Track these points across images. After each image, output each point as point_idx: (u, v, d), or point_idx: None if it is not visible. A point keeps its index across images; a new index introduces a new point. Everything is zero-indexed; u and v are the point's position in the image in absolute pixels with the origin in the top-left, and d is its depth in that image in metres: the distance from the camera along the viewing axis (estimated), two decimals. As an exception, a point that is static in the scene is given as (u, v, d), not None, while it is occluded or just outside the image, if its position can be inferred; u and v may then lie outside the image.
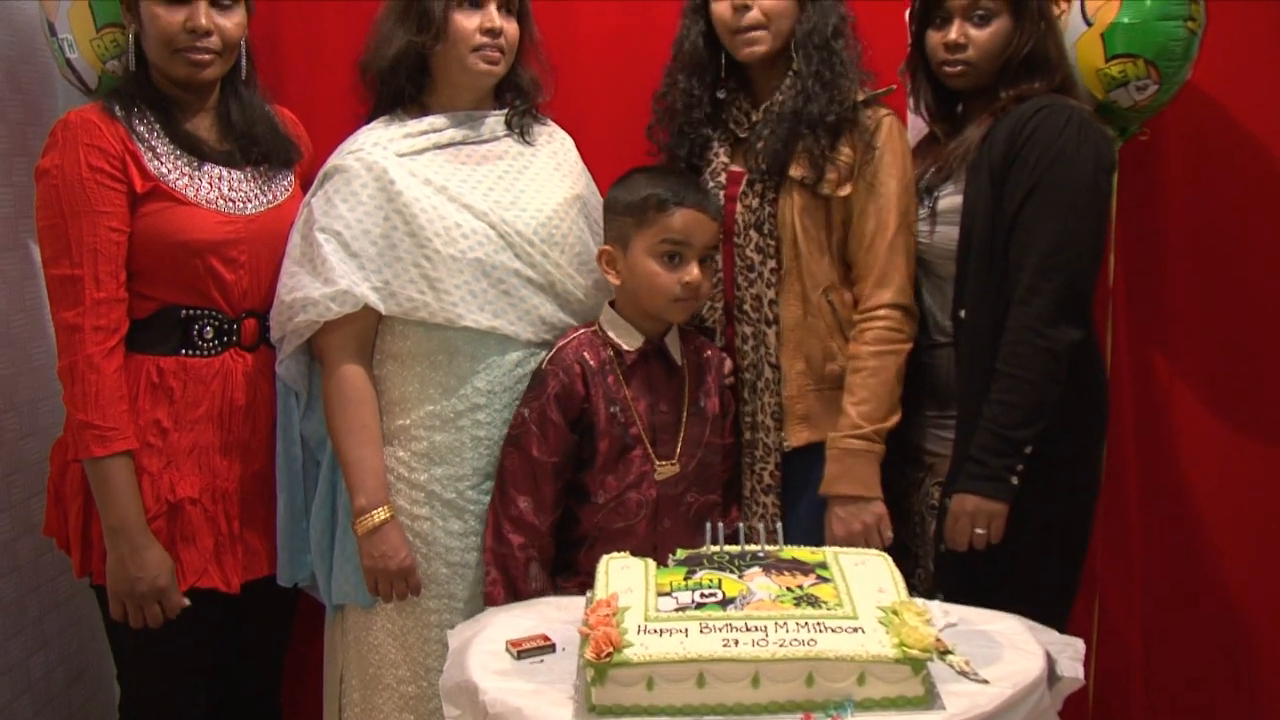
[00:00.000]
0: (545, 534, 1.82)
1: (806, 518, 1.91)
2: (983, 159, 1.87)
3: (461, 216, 1.83)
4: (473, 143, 1.93)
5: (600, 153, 2.10)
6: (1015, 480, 1.76)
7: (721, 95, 2.00)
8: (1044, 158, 1.77)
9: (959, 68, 1.93)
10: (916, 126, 2.12)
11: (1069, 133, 1.78)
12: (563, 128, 2.10)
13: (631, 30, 2.37)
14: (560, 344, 1.86)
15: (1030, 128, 1.80)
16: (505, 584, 1.80)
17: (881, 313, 1.87)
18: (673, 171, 1.93)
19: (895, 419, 1.87)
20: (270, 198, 1.93)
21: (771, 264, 1.90)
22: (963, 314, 1.88)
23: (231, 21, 1.87)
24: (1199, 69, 2.17)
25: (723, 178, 1.99)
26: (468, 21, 1.85)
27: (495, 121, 1.96)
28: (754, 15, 1.90)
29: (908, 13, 2.04)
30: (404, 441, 1.86)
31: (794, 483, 1.94)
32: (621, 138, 2.21)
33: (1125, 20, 2.05)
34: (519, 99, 1.98)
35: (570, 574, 1.86)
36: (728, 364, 1.98)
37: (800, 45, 1.91)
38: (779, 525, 1.62)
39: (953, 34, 1.92)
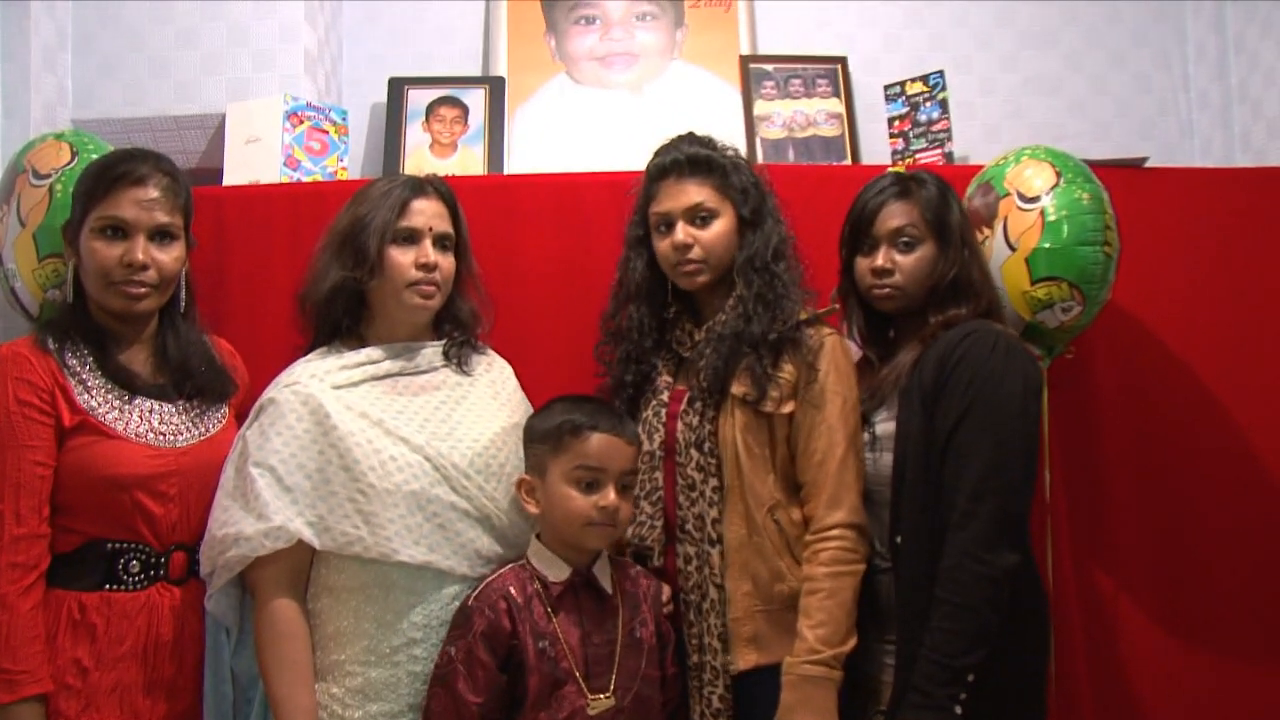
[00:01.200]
0: None
1: (760, 745, 1.84)
2: (913, 385, 1.88)
3: (396, 450, 1.81)
4: (410, 374, 1.93)
5: (544, 378, 2.11)
6: (959, 709, 1.70)
7: (668, 316, 2.05)
8: (973, 383, 1.78)
9: (886, 290, 1.98)
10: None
11: (996, 357, 1.79)
12: (505, 355, 2.11)
13: (572, 257, 2.45)
14: (488, 580, 1.81)
15: (958, 353, 1.82)
16: None
17: (835, 533, 1.84)
18: (590, 399, 1.92)
19: (852, 642, 1.81)
20: (203, 430, 1.91)
21: (713, 482, 1.88)
22: (899, 540, 1.86)
23: (170, 256, 1.88)
24: (1118, 289, 2.27)
25: (665, 396, 2.00)
26: (403, 257, 1.89)
27: (433, 352, 1.97)
28: (695, 252, 1.96)
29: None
30: (338, 677, 1.79)
31: (745, 708, 1.86)
32: (565, 362, 2.25)
33: (1046, 245, 2.15)
34: (457, 330, 2.01)
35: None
36: (665, 592, 1.93)
37: (741, 270, 1.95)
38: None
39: (879, 260, 1.97)
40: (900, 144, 3.02)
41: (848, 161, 3.14)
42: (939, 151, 2.94)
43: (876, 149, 3.18)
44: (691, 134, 2.05)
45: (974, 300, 1.93)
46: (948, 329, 1.90)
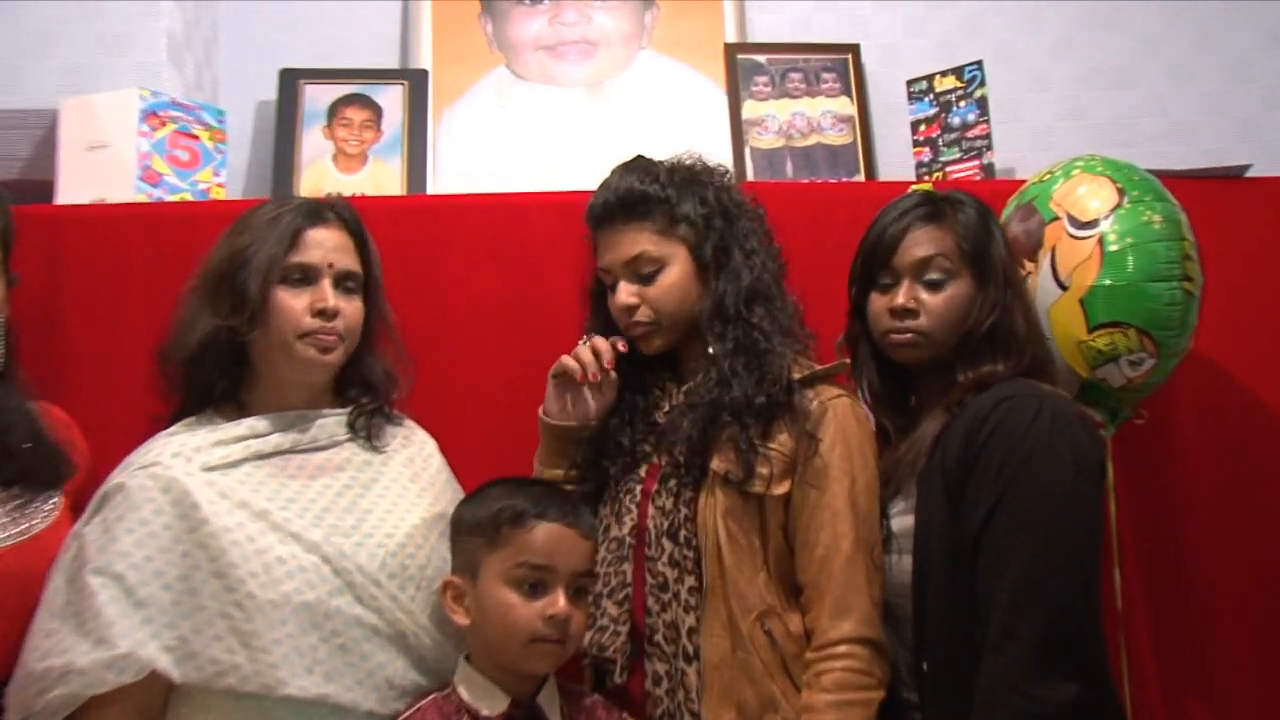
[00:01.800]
0: None
1: None
2: (935, 466, 1.86)
3: (286, 549, 1.79)
4: (304, 450, 1.92)
5: (479, 456, 2.09)
6: None
7: (646, 374, 2.09)
8: (1009, 463, 1.75)
9: (907, 336, 1.97)
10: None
11: (1039, 427, 1.76)
12: (430, 426, 2.12)
13: (515, 299, 2.45)
14: (404, 716, 1.79)
15: (990, 425, 1.79)
16: None
17: (842, 649, 1.83)
18: (535, 481, 1.94)
19: None
20: (24, 527, 1.85)
21: (690, 582, 1.89)
22: (925, 666, 1.84)
23: (-22, 298, 1.83)
24: (1203, 335, 2.28)
25: (642, 471, 2.03)
26: (294, 301, 1.89)
27: (335, 423, 1.97)
28: (643, 313, 2.02)
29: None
30: None
31: None
32: (506, 435, 2.23)
33: (1107, 283, 2.16)
34: (366, 395, 2.01)
35: None
36: None
37: (708, 324, 1.98)
38: None
39: (900, 298, 1.97)
40: (927, 154, 3.07)
41: (860, 177, 3.19)
42: (976, 164, 2.99)
43: (897, 161, 3.23)
44: (634, 160, 2.10)
45: (1015, 354, 1.93)
46: (980, 391, 1.89)
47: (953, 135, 3.05)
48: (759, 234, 2.06)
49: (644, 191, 2.02)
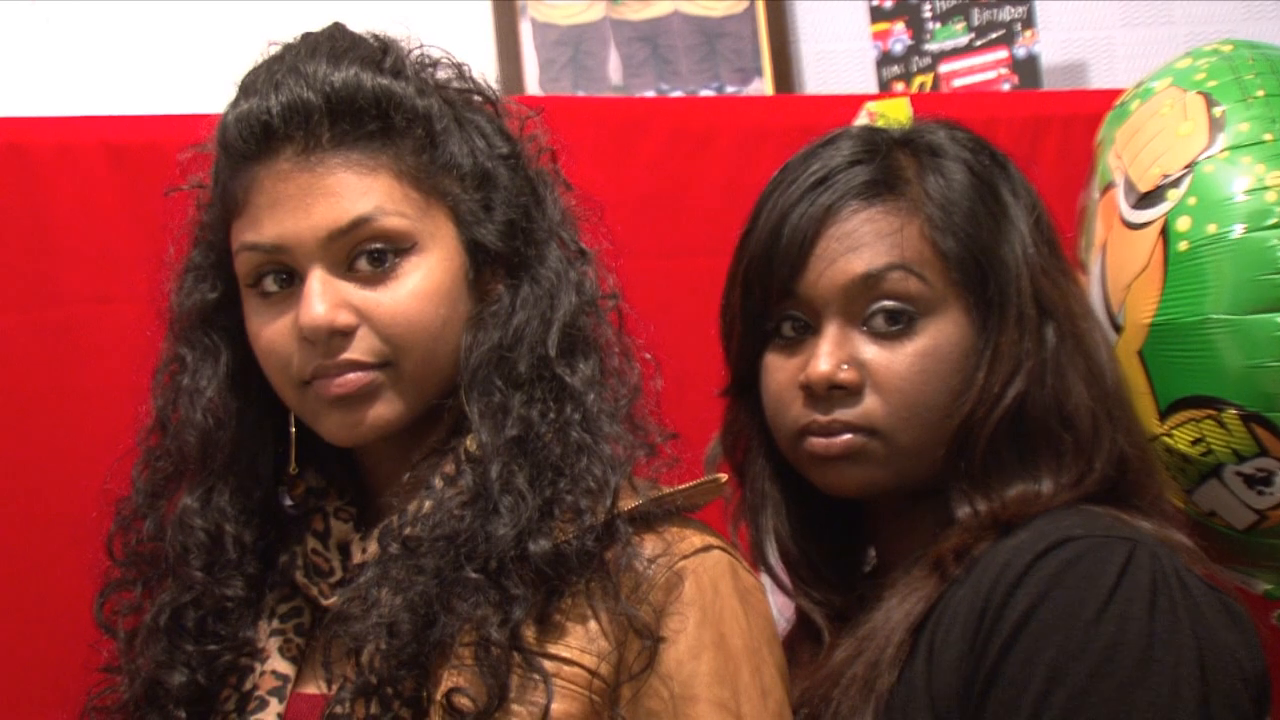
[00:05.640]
0: None
1: None
2: (914, 687, 1.33)
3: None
4: None
5: None
6: None
7: (289, 503, 1.47)
8: (1065, 680, 1.22)
9: (842, 441, 1.37)
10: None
11: (1129, 611, 1.23)
12: None
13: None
14: None
15: (1026, 603, 1.26)
16: None
17: None
18: None
19: None
20: None
21: None
22: None
23: None
24: None
25: (276, 709, 1.42)
26: None
27: None
28: (364, 345, 1.38)
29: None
30: None
31: None
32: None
33: (1172, 318, 1.48)
34: None
35: None
36: None
37: (479, 380, 1.38)
38: None
39: (822, 362, 1.37)
40: (901, 38, 2.40)
41: (763, 84, 2.50)
42: (1002, 56, 2.34)
43: (839, 50, 2.54)
44: (333, 34, 1.43)
45: (1071, 456, 1.35)
46: (1004, 535, 1.30)
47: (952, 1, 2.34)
48: (571, 221, 1.48)
49: (385, 90, 1.37)
